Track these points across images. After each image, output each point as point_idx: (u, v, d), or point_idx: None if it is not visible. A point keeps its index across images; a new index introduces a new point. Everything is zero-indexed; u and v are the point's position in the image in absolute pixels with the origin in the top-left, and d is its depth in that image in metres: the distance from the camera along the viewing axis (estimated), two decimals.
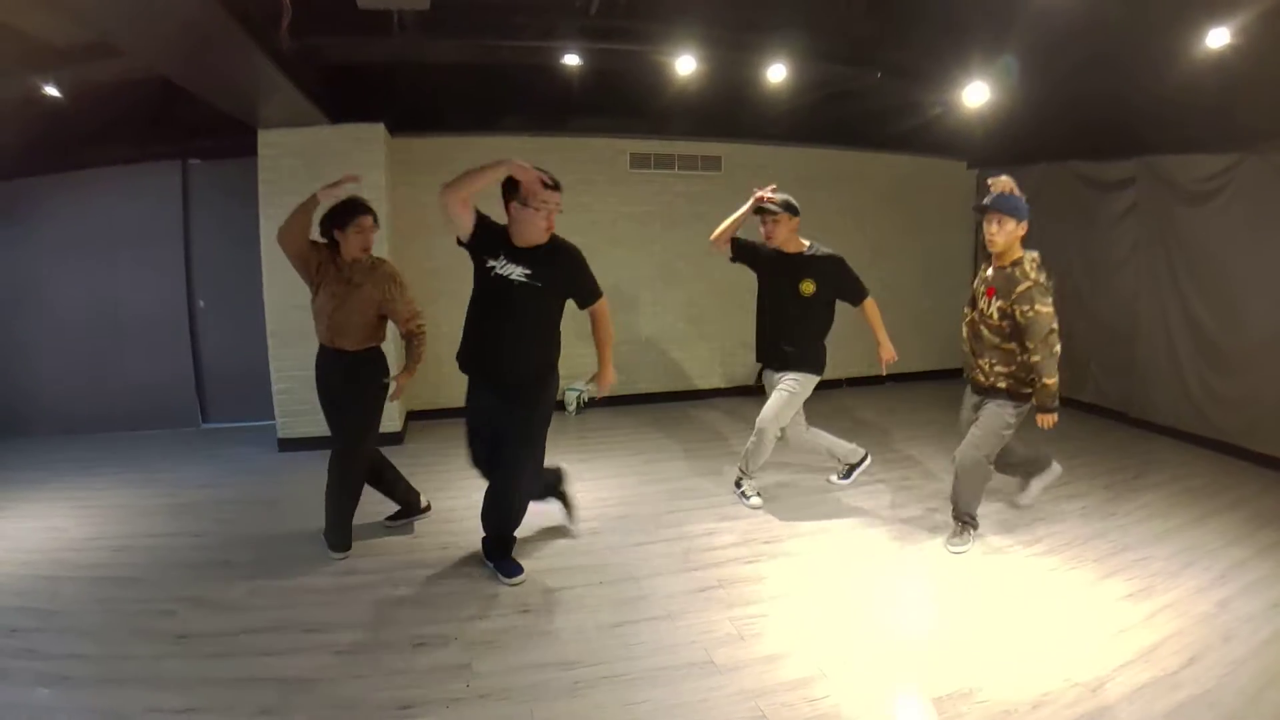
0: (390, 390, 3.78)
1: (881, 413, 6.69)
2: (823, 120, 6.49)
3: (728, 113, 6.23)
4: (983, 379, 3.73)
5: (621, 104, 6.00)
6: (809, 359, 4.34)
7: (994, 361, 3.65)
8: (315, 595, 3.36)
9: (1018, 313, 3.48)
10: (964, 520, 3.91)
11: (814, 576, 3.60)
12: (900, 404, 7.08)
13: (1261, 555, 3.81)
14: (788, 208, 4.23)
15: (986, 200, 3.55)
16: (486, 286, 3.33)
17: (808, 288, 4.24)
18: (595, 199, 6.60)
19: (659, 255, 6.91)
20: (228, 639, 3.01)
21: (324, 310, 3.61)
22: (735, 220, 4.33)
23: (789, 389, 4.31)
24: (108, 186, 5.81)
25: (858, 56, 4.93)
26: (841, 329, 4.51)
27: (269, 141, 5.17)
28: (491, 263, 3.29)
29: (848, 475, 4.77)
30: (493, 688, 2.69)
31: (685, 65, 4.67)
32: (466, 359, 3.46)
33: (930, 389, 7.68)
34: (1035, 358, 3.48)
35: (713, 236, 4.36)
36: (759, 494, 4.54)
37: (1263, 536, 4.04)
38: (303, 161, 5.14)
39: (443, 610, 3.24)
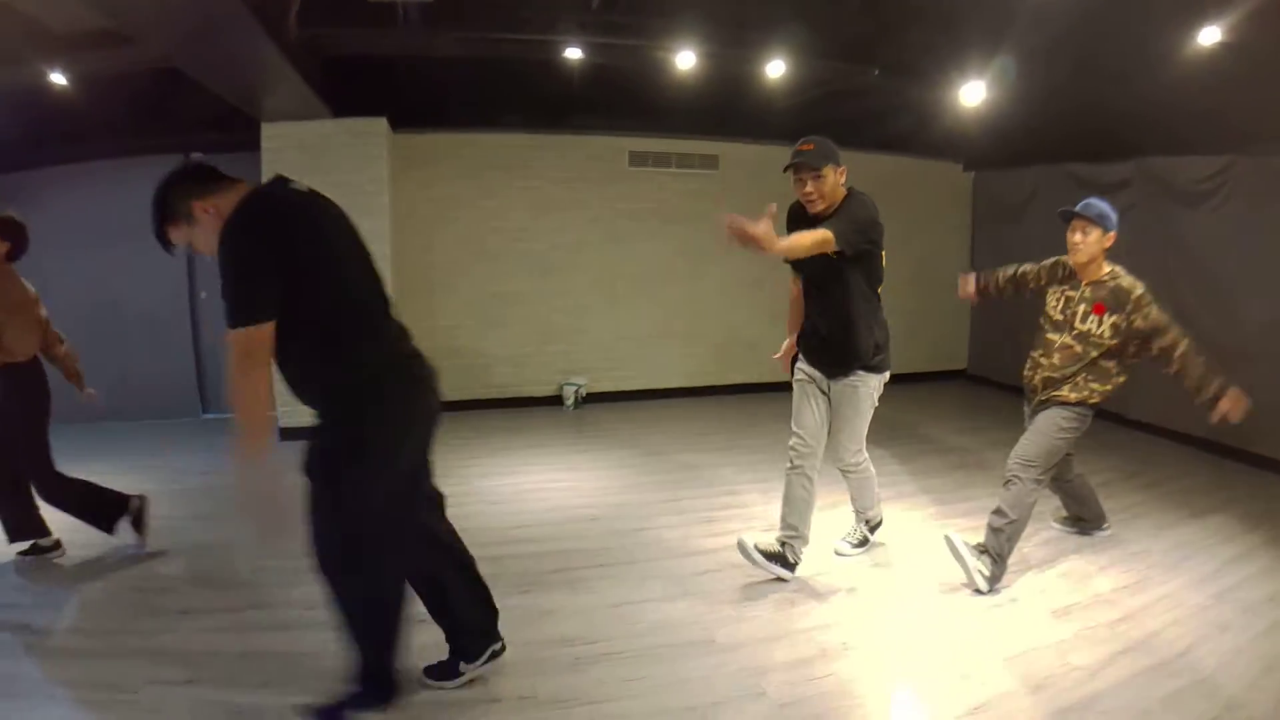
0: None
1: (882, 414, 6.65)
2: (819, 119, 6.40)
3: (726, 111, 6.26)
4: (1069, 393, 3.34)
5: (621, 101, 6.04)
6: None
7: (1089, 378, 3.33)
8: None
9: (1139, 320, 3.23)
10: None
11: (812, 562, 3.58)
12: (897, 405, 7.07)
13: (1257, 551, 3.83)
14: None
15: (1076, 206, 3.35)
16: None
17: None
18: (593, 196, 6.66)
19: (657, 253, 6.92)
20: (230, 615, 3.04)
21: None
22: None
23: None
24: (109, 179, 5.79)
25: (855, 54, 4.99)
26: None
27: (272, 134, 5.20)
28: None
29: (862, 543, 3.79)
30: (495, 661, 2.67)
31: (685, 61, 4.71)
32: None
33: (925, 390, 7.68)
34: (1181, 347, 3.20)
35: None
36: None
37: (1258, 534, 4.05)
38: (306, 155, 5.18)
39: None
